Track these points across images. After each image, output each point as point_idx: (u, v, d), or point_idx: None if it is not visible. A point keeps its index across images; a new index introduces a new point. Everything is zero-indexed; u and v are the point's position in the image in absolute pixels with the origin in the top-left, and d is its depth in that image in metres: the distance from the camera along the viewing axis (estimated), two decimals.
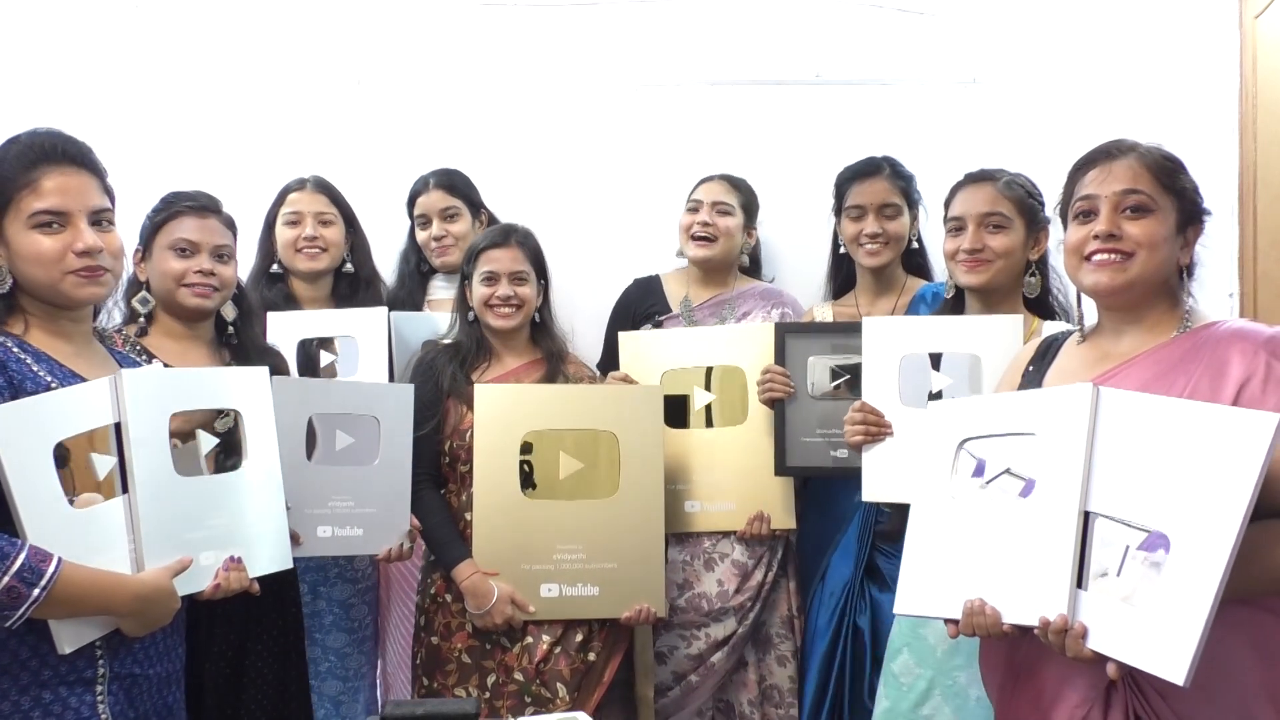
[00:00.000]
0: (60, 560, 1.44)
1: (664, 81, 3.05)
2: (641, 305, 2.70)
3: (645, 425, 2.30)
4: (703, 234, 2.60)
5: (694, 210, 2.63)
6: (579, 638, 2.27)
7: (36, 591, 1.41)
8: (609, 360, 2.63)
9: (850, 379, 2.31)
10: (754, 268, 2.79)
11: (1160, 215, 1.56)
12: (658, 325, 2.64)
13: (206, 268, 2.03)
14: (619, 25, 3.03)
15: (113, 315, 1.99)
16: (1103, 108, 2.85)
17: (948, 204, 2.21)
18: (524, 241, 2.39)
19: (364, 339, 2.45)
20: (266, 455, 1.84)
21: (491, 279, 2.34)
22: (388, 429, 2.17)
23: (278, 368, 2.18)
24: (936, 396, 2.05)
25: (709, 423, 2.50)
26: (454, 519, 2.31)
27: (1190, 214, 1.59)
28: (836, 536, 2.44)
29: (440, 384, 2.32)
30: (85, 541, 1.52)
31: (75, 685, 1.51)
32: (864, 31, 3.02)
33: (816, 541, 2.49)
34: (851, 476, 2.16)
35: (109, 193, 1.65)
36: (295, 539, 2.00)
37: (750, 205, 2.69)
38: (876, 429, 2.10)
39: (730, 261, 2.67)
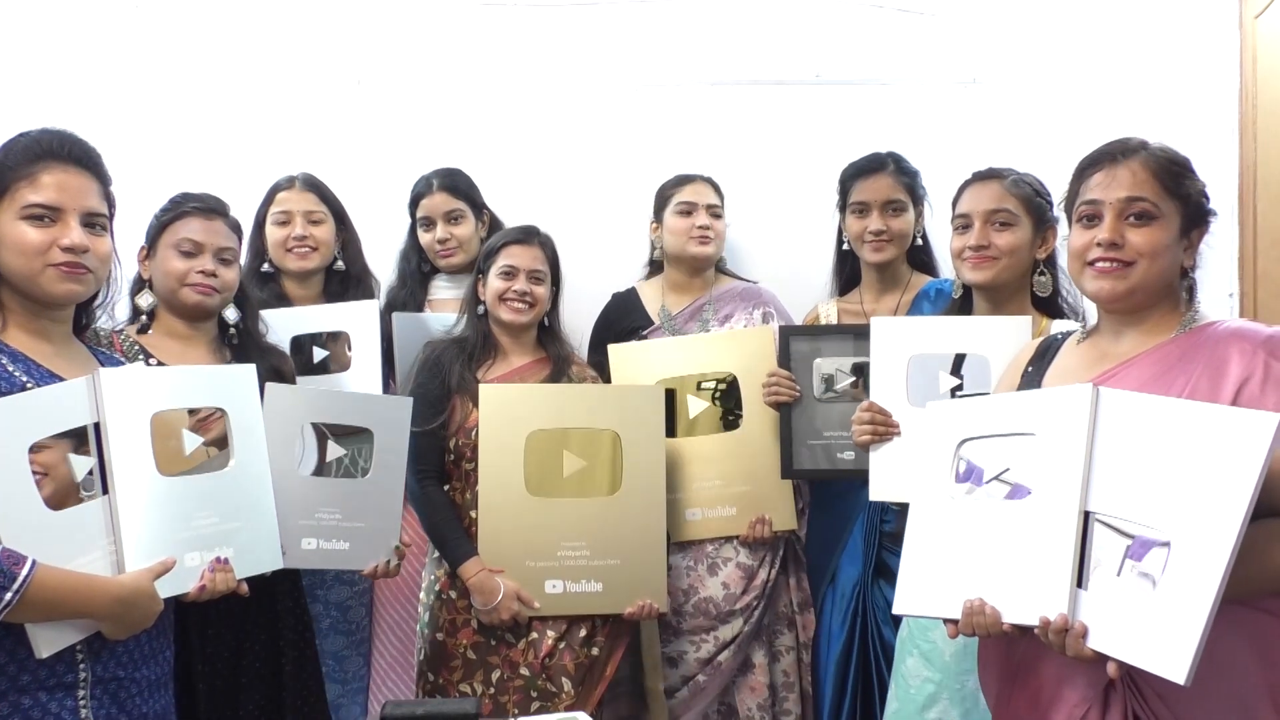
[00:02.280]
0: (34, 563, 1.42)
1: (664, 81, 3.05)
2: (622, 322, 2.69)
3: (647, 424, 2.32)
4: (703, 235, 2.60)
5: (687, 213, 2.61)
6: (583, 633, 2.29)
7: (9, 595, 1.39)
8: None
9: (855, 381, 2.31)
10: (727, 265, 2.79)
11: (1163, 222, 1.55)
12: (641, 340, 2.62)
13: (209, 269, 2.03)
14: (619, 25, 3.03)
15: (117, 312, 1.99)
16: (1103, 108, 2.85)
17: (955, 202, 2.21)
18: (545, 243, 2.43)
19: (356, 333, 2.45)
20: (254, 454, 1.82)
21: (510, 274, 2.36)
22: (382, 442, 2.14)
23: (279, 368, 2.18)
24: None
25: (705, 430, 2.50)
26: (459, 516, 2.32)
27: (1195, 217, 1.58)
28: (843, 536, 2.44)
29: (447, 381, 2.33)
30: (64, 544, 1.50)
31: (55, 690, 1.49)
32: (864, 31, 3.02)
33: (823, 540, 2.50)
34: (858, 479, 2.16)
35: (109, 200, 1.65)
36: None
37: (723, 205, 2.70)
38: (884, 429, 2.10)
39: (714, 262, 2.69)
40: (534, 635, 2.27)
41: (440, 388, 2.32)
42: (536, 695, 2.24)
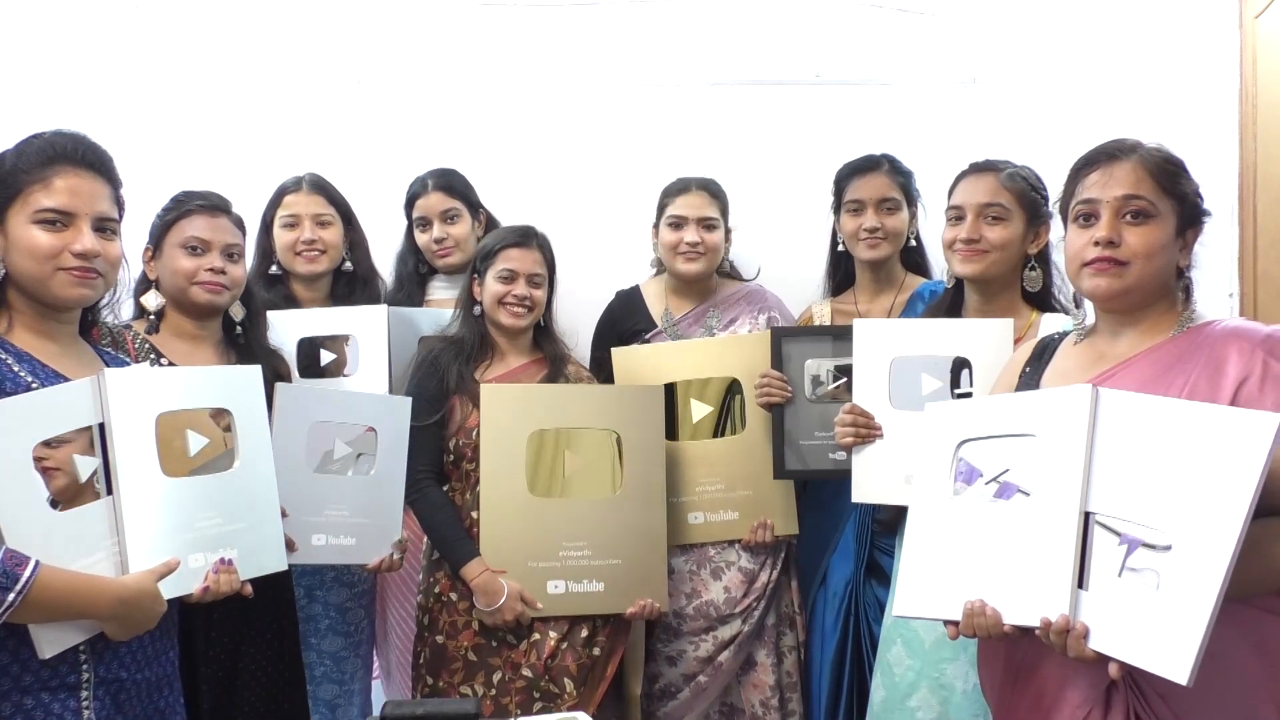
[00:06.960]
0: (37, 563, 1.42)
1: (664, 81, 3.05)
2: (625, 322, 2.68)
3: (647, 424, 2.33)
4: (692, 252, 2.55)
5: (677, 226, 2.56)
6: (584, 633, 2.29)
7: (11, 596, 1.38)
8: (598, 377, 2.60)
9: (847, 381, 2.31)
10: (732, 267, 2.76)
11: (1160, 221, 1.56)
12: (644, 344, 2.61)
13: (218, 266, 2.04)
14: (619, 25, 3.03)
15: (121, 313, 1.99)
16: (1103, 108, 2.85)
17: (951, 192, 2.21)
18: (543, 245, 2.42)
19: (363, 337, 2.45)
20: (259, 455, 1.81)
21: (509, 278, 2.35)
22: (385, 440, 2.17)
23: (280, 370, 2.19)
24: (965, 396, 2.03)
25: (707, 434, 2.49)
26: (459, 517, 2.31)
27: (1190, 217, 1.59)
28: (834, 536, 2.45)
29: (445, 381, 2.32)
30: (68, 545, 1.49)
31: (58, 691, 1.48)
32: (864, 31, 3.03)
33: (815, 539, 2.50)
34: (849, 480, 2.17)
35: (119, 204, 1.65)
36: (290, 545, 1.98)
37: (726, 209, 2.64)
38: (866, 431, 2.11)
39: (714, 271, 2.65)
40: (536, 636, 2.26)
41: (438, 387, 2.31)
42: (539, 696, 2.24)
